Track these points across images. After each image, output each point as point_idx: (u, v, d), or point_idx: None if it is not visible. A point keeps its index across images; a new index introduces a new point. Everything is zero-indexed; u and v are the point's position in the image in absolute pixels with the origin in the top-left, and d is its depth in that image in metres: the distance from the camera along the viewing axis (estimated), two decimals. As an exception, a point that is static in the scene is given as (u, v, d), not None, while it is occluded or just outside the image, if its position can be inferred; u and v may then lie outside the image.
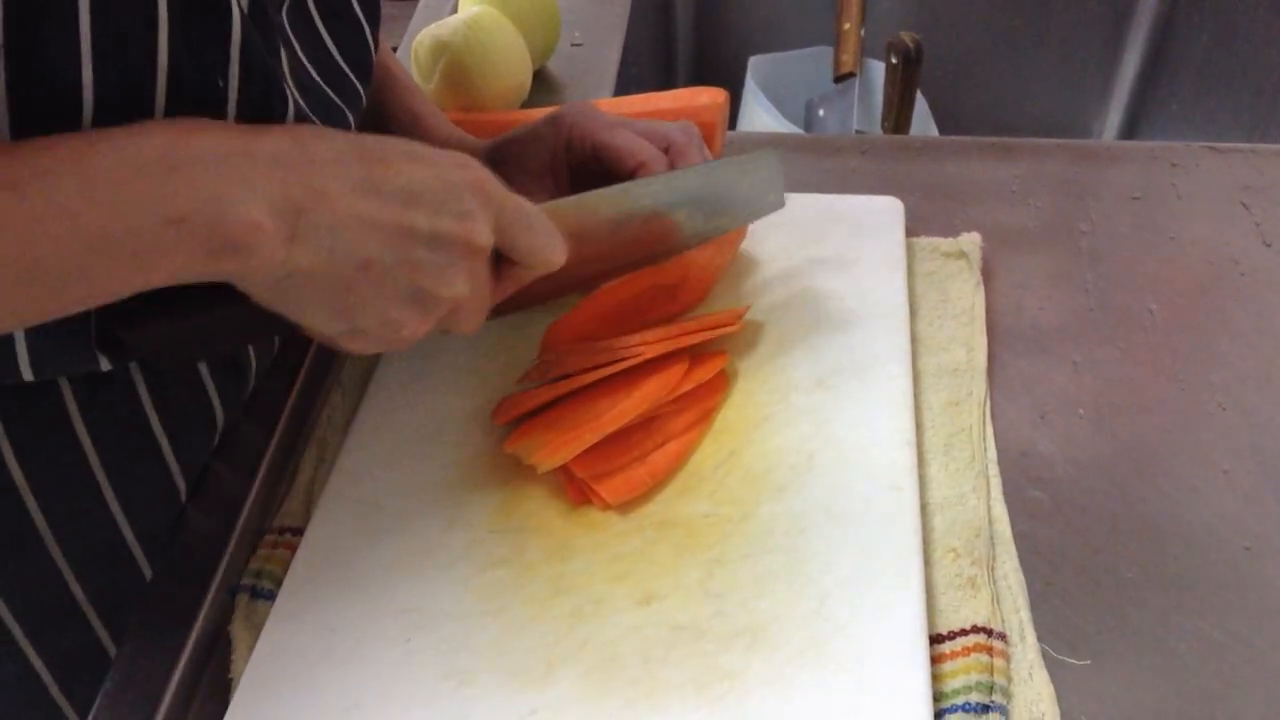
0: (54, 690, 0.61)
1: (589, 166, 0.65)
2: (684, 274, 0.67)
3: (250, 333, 0.52)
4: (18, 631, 0.59)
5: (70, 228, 0.40)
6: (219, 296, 0.47)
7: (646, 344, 0.62)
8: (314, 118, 0.55)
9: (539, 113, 0.69)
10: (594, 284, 0.65)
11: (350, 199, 0.45)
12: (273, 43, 0.52)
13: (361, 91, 0.62)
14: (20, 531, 0.56)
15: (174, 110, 0.46)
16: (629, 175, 0.62)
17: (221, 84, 0.47)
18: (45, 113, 0.43)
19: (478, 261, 0.50)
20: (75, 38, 0.42)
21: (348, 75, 0.60)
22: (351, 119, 0.60)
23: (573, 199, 0.57)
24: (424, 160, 0.48)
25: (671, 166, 0.63)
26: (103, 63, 0.43)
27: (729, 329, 0.65)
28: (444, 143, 0.72)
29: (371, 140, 0.48)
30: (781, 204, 0.67)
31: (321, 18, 0.59)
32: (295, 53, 0.56)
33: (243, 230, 0.42)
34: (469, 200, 0.48)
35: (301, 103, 0.55)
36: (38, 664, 0.60)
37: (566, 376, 0.61)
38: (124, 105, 0.45)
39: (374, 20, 0.63)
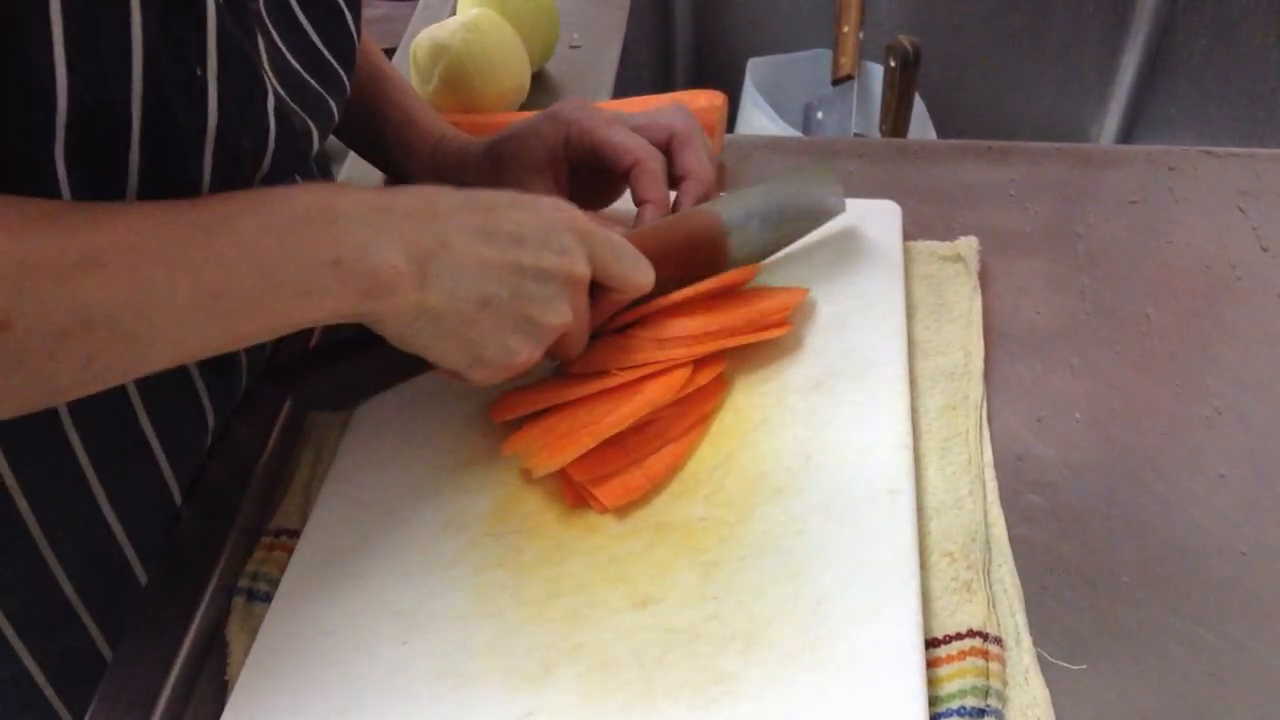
0: (48, 692, 0.61)
1: (587, 163, 0.66)
2: None
3: (390, 374, 0.58)
4: (10, 633, 0.59)
5: (252, 266, 0.46)
6: (364, 347, 0.55)
7: (692, 339, 0.63)
8: (294, 106, 0.56)
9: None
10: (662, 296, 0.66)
11: (469, 244, 0.52)
12: (250, 31, 0.53)
13: (345, 79, 0.62)
14: (12, 533, 0.56)
15: (152, 100, 0.47)
16: (627, 172, 0.65)
17: (200, 72, 0.48)
18: (19, 104, 0.44)
19: (579, 291, 0.56)
20: (47, 26, 0.43)
21: (330, 62, 0.61)
22: (335, 107, 0.61)
23: (650, 226, 0.63)
24: (526, 206, 0.55)
25: (674, 157, 0.67)
26: (77, 52, 0.44)
27: (777, 331, 0.65)
28: (438, 140, 0.73)
29: (483, 193, 0.55)
30: (842, 208, 0.72)
31: (301, 6, 0.59)
32: (274, 41, 0.56)
33: (385, 272, 0.49)
34: (566, 238, 0.55)
35: (282, 92, 0.55)
36: (31, 666, 0.60)
37: (602, 373, 0.61)
38: (100, 95, 0.45)
39: (354, 6, 0.63)
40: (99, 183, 0.48)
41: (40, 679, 0.60)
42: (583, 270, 0.55)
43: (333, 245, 0.48)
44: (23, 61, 0.43)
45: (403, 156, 0.74)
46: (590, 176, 0.68)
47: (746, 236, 0.67)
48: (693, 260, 0.65)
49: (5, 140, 0.44)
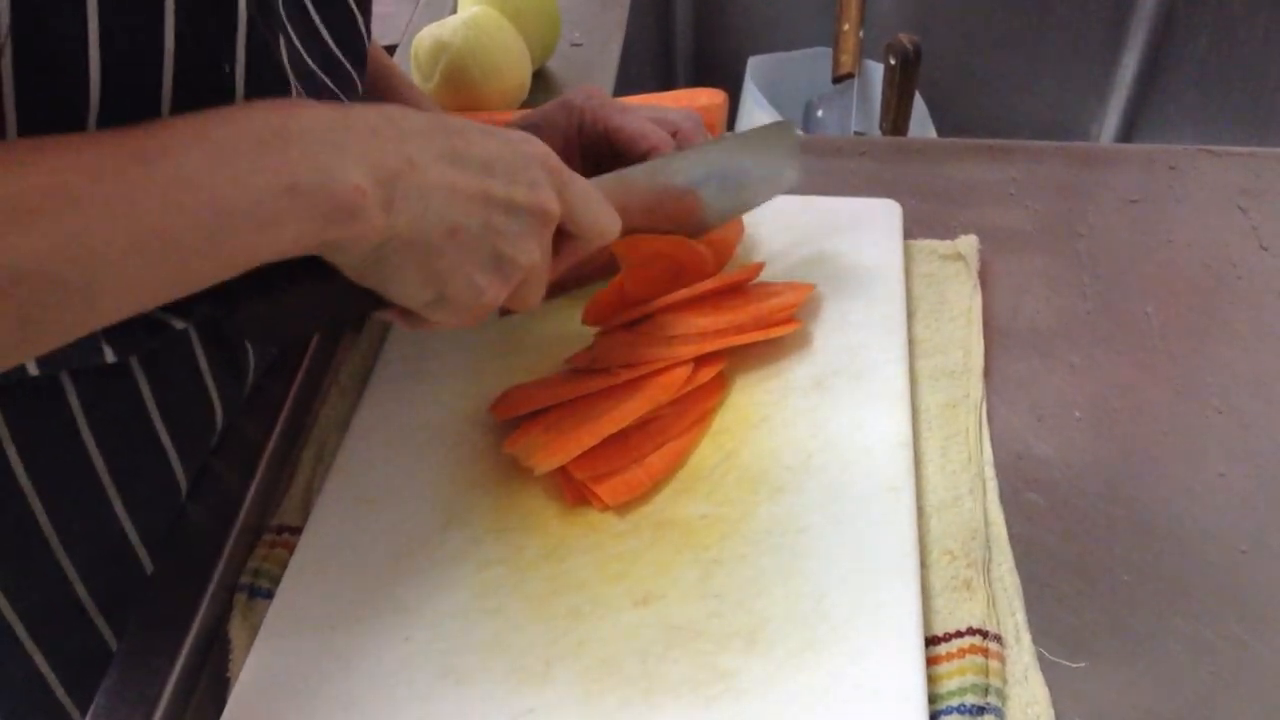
0: (59, 691, 0.61)
1: (600, 150, 0.66)
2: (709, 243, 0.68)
3: (338, 310, 0.54)
4: (23, 633, 0.58)
5: (198, 199, 0.42)
6: (310, 275, 0.49)
7: (700, 337, 0.63)
8: None
9: None
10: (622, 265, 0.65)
11: (437, 167, 0.48)
12: (275, 30, 0.53)
13: (356, 78, 0.62)
14: (25, 533, 0.56)
15: (181, 97, 0.46)
16: (642, 158, 0.64)
17: (228, 70, 0.48)
18: (52, 99, 0.43)
19: (547, 230, 0.53)
20: (83, 23, 0.42)
21: (342, 62, 0.61)
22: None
23: (613, 175, 0.59)
24: (496, 135, 0.51)
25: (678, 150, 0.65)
26: (110, 48, 0.43)
27: (785, 329, 0.65)
28: None
29: (449, 117, 0.51)
30: (797, 180, 0.70)
31: (315, 7, 0.59)
32: (292, 40, 0.56)
33: (349, 195, 0.45)
34: (537, 171, 0.52)
35: (301, 90, 0.55)
36: (43, 665, 0.60)
37: (604, 371, 0.61)
38: (131, 91, 0.45)
39: (365, 8, 0.63)
40: None
41: (52, 679, 0.60)
42: (554, 207, 0.52)
43: (289, 169, 0.44)
44: (58, 59, 0.42)
45: None
46: (604, 164, 0.68)
47: (709, 195, 0.65)
48: (659, 215, 0.63)
49: (39, 134, 0.43)
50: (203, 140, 0.43)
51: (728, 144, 0.66)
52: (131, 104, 0.45)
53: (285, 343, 0.55)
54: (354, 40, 0.62)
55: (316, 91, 0.57)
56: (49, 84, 0.43)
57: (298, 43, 0.57)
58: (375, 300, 0.51)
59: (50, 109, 0.44)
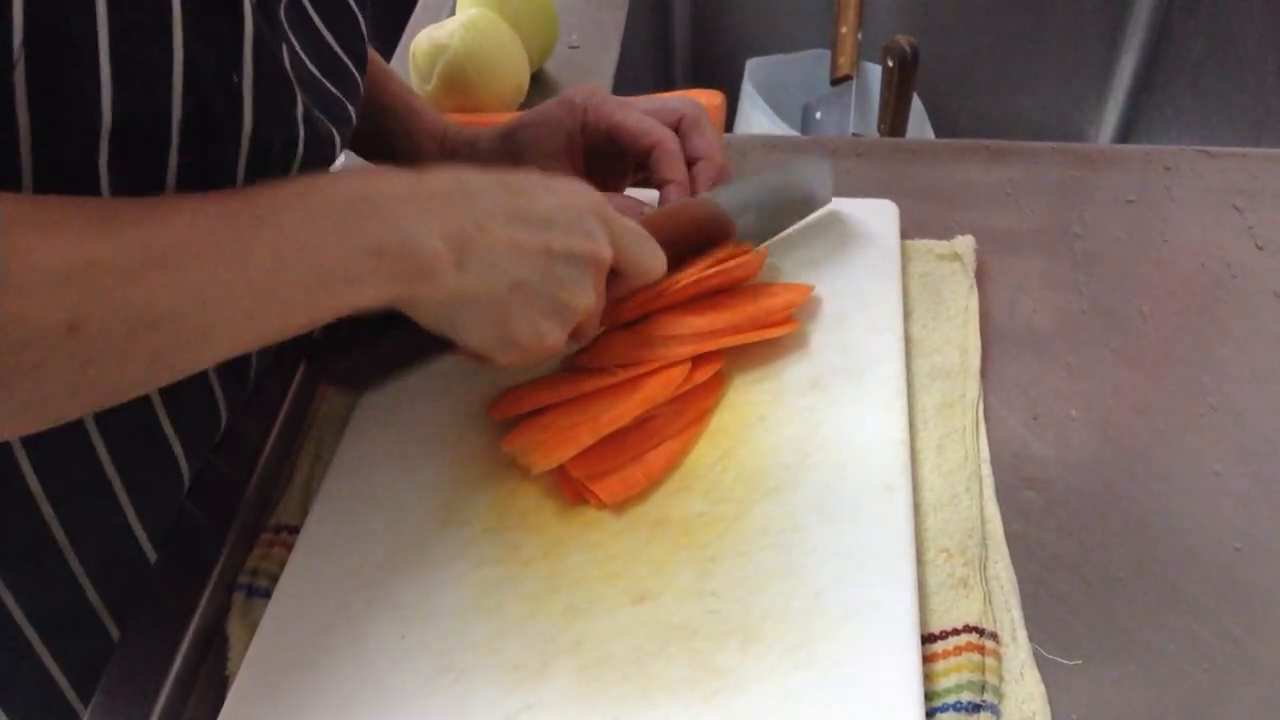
0: (70, 695, 0.61)
1: (602, 147, 0.67)
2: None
3: (418, 353, 0.59)
4: (33, 636, 0.59)
5: (301, 256, 0.46)
6: (394, 327, 0.54)
7: (697, 337, 0.63)
8: (318, 111, 0.56)
9: None
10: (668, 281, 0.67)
11: (502, 227, 0.52)
12: (279, 38, 0.53)
13: (359, 81, 0.63)
14: (34, 535, 0.56)
15: (191, 107, 0.47)
16: (645, 154, 0.66)
17: (236, 80, 0.49)
18: (64, 111, 0.44)
19: (602, 274, 0.57)
20: (94, 35, 0.43)
21: (346, 65, 0.61)
22: (352, 111, 0.61)
23: (660, 211, 0.63)
24: (553, 189, 0.55)
25: (684, 142, 0.67)
26: (120, 61, 0.44)
27: (783, 329, 0.65)
28: (444, 131, 0.74)
29: (510, 176, 0.55)
30: (829, 200, 0.75)
31: (315, 9, 0.59)
32: (294, 48, 0.56)
33: (427, 258, 0.49)
34: (591, 221, 0.55)
35: (306, 99, 0.55)
36: (54, 669, 0.60)
37: (602, 370, 0.62)
38: (142, 103, 0.45)
39: (364, 6, 0.64)
40: (139, 188, 0.48)
41: (62, 682, 0.61)
42: (607, 254, 0.56)
43: (375, 232, 0.48)
44: (71, 73, 0.43)
45: (410, 150, 0.74)
46: (603, 160, 0.68)
47: (745, 224, 0.69)
48: (699, 247, 0.66)
49: (53, 147, 0.44)
50: (305, 203, 0.47)
51: (769, 177, 0.70)
52: (143, 117, 0.46)
53: (369, 386, 0.62)
54: (356, 42, 0.62)
55: (321, 99, 0.57)
56: (62, 99, 0.44)
57: (300, 50, 0.57)
58: (449, 344, 0.55)
59: (63, 124, 0.44)
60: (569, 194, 0.56)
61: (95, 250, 0.41)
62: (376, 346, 0.57)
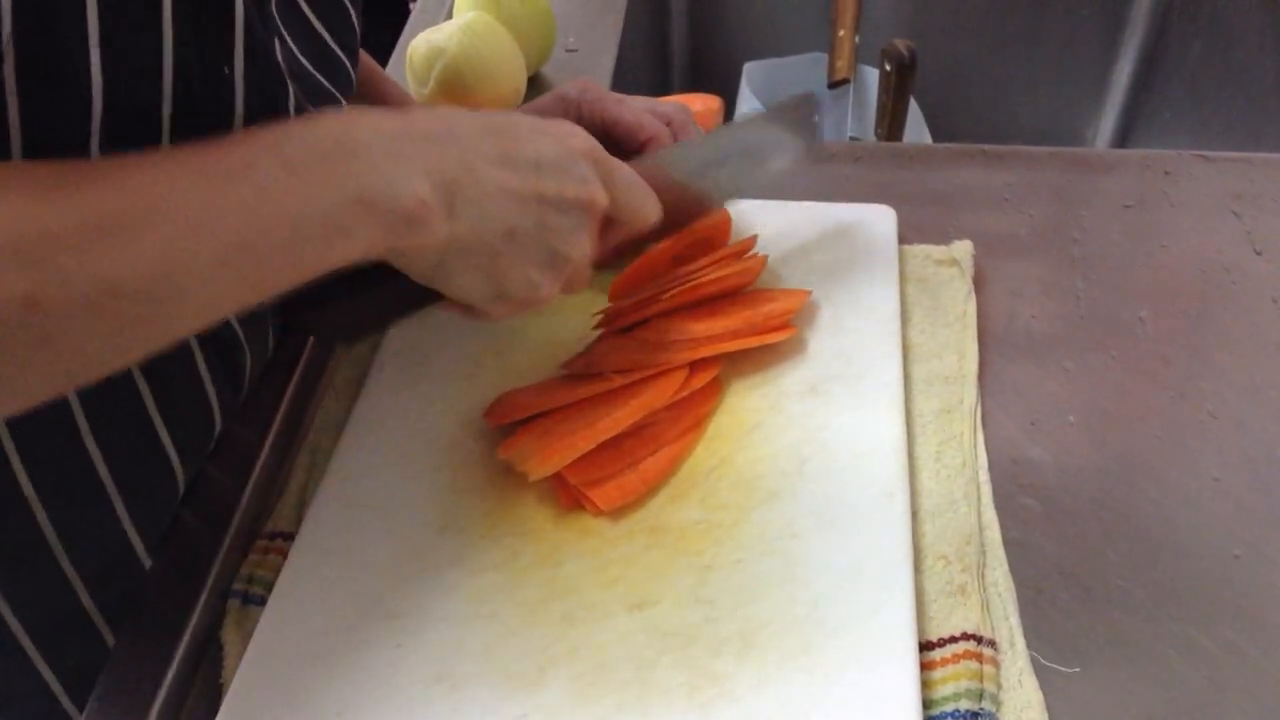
0: (65, 702, 0.61)
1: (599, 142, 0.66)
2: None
3: (406, 305, 0.56)
4: (29, 645, 0.58)
5: (275, 211, 0.43)
6: (379, 278, 0.51)
7: (695, 343, 0.63)
8: (310, 106, 0.56)
9: None
10: (647, 243, 0.66)
11: (492, 171, 0.50)
12: (271, 30, 0.53)
13: (352, 73, 0.62)
14: (29, 542, 0.56)
15: (182, 101, 0.47)
16: (641, 149, 0.65)
17: (228, 71, 0.48)
18: (54, 102, 0.43)
19: (596, 221, 0.54)
20: (83, 26, 0.42)
21: (339, 57, 0.61)
22: (344, 103, 0.61)
23: (647, 158, 0.62)
24: (544, 132, 0.53)
25: (674, 140, 0.67)
26: (110, 51, 0.43)
27: (782, 334, 0.65)
28: None
29: (499, 117, 0.53)
30: (817, 139, 0.72)
31: (308, 3, 0.59)
32: (286, 41, 0.56)
33: (414, 206, 0.46)
34: (585, 166, 0.53)
35: (297, 91, 0.55)
36: (49, 677, 0.60)
37: (599, 376, 0.62)
38: (132, 94, 0.45)
39: (356, 1, 0.63)
40: None
41: (58, 690, 0.60)
42: (602, 199, 0.54)
43: (358, 180, 0.45)
44: (60, 64, 0.43)
45: None
46: None
47: (730, 169, 0.68)
48: (684, 197, 0.65)
49: (44, 139, 0.44)
50: (276, 154, 0.44)
51: (754, 122, 0.69)
52: (134, 108, 0.45)
53: (355, 340, 0.57)
54: (348, 35, 0.62)
55: (313, 92, 0.57)
56: (52, 90, 0.43)
57: (292, 44, 0.57)
58: (437, 295, 0.53)
59: (54, 115, 0.44)
60: (561, 137, 0.54)
61: (49, 217, 0.39)
62: (361, 298, 0.54)
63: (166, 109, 0.46)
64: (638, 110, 0.66)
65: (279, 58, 0.53)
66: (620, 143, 0.66)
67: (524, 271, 0.52)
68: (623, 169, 0.56)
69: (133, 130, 0.46)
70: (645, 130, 0.65)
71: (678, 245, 0.67)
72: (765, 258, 0.69)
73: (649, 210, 0.58)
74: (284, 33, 0.56)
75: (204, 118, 0.48)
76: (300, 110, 0.54)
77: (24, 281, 0.37)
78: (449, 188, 0.48)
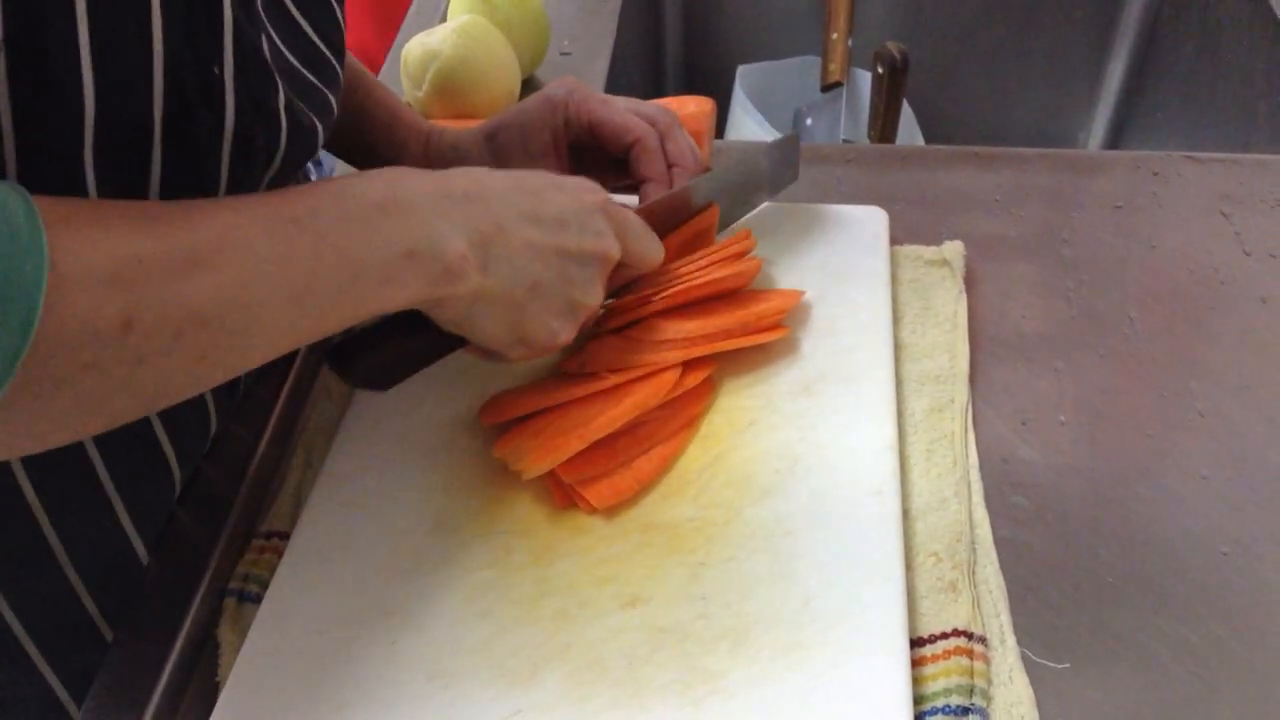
0: (69, 707, 0.61)
1: (585, 142, 0.68)
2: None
3: (434, 352, 0.59)
4: (33, 650, 0.58)
5: (338, 258, 0.47)
6: (410, 327, 0.55)
7: (688, 342, 0.63)
8: (299, 103, 0.56)
9: None
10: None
11: (520, 228, 0.53)
12: (258, 29, 0.53)
13: (338, 71, 0.63)
14: (35, 550, 0.56)
15: (173, 100, 0.47)
16: (625, 150, 0.67)
17: (218, 71, 0.49)
18: (46, 107, 0.44)
19: (609, 270, 0.59)
20: (73, 30, 0.43)
21: (324, 54, 0.61)
22: (333, 100, 0.61)
23: (652, 204, 0.64)
24: (563, 188, 0.57)
25: (660, 142, 0.68)
26: (101, 55, 0.44)
27: (773, 334, 0.66)
28: (428, 134, 0.74)
29: (524, 176, 0.57)
30: (795, 178, 0.77)
31: (292, 1, 0.59)
32: (273, 39, 0.56)
33: (455, 260, 0.50)
34: (599, 220, 0.57)
35: (286, 89, 0.55)
36: (54, 683, 0.60)
37: (592, 375, 0.62)
38: (124, 98, 0.45)
39: None
40: (123, 183, 0.48)
41: (63, 695, 0.60)
42: (615, 251, 0.58)
43: (407, 234, 0.49)
44: (51, 70, 0.43)
45: (394, 154, 0.74)
46: (588, 154, 0.69)
47: (724, 205, 0.70)
48: (685, 235, 0.68)
49: (37, 144, 0.44)
50: (340, 205, 0.48)
51: (747, 162, 0.72)
52: (126, 111, 0.46)
53: (385, 387, 0.61)
54: (333, 31, 0.62)
55: (301, 89, 0.57)
56: (44, 95, 0.43)
57: (279, 41, 0.57)
58: (461, 342, 0.57)
59: (46, 120, 0.44)
60: (578, 193, 0.57)
61: (143, 248, 0.41)
62: (394, 346, 0.57)
63: (158, 110, 0.47)
64: (624, 112, 0.67)
65: (267, 56, 0.53)
66: (606, 143, 0.67)
67: (545, 320, 0.56)
68: (632, 218, 0.60)
69: (125, 132, 0.46)
70: (632, 132, 0.66)
71: (670, 244, 0.68)
72: (761, 261, 0.69)
73: (654, 255, 0.62)
74: (270, 31, 0.57)
75: (195, 119, 0.48)
76: (290, 109, 0.54)
77: (121, 304, 0.40)
78: (483, 244, 0.52)
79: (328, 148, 0.77)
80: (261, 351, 0.47)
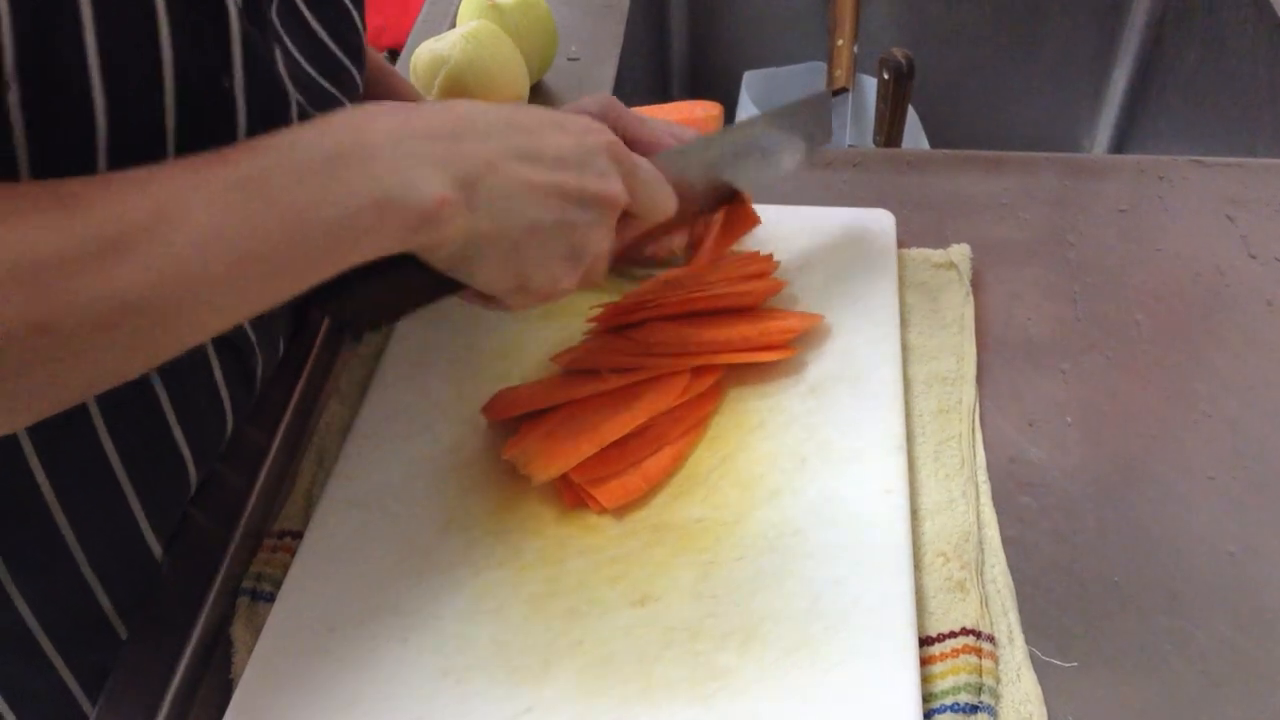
0: (84, 703, 0.61)
1: None
2: None
3: (427, 295, 0.56)
4: (48, 645, 0.59)
5: (288, 219, 0.44)
6: (402, 265, 0.51)
7: (682, 349, 0.64)
8: (314, 113, 0.56)
9: None
10: (662, 233, 0.67)
11: (513, 166, 0.50)
12: (269, 40, 0.53)
13: (357, 77, 0.62)
14: (50, 546, 0.56)
15: (184, 115, 0.47)
16: None
17: (227, 84, 0.48)
18: (60, 128, 0.44)
19: (615, 216, 0.55)
20: (82, 51, 0.43)
21: (343, 62, 0.61)
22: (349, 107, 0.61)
23: (668, 153, 0.62)
24: (563, 127, 0.53)
25: None
26: (111, 73, 0.44)
27: (778, 354, 0.65)
28: None
29: (519, 112, 0.53)
30: (829, 138, 0.74)
31: (309, 7, 0.59)
32: (288, 49, 0.56)
33: (435, 205, 0.47)
34: (604, 161, 0.54)
35: (301, 99, 0.55)
36: (68, 677, 0.60)
37: (594, 373, 0.62)
38: (136, 114, 0.45)
39: (359, 3, 0.63)
40: None
41: (76, 690, 0.61)
42: (621, 195, 0.55)
43: (373, 183, 0.46)
44: (62, 89, 0.43)
45: None
46: None
47: (747, 166, 0.69)
48: (700, 192, 0.66)
49: (52, 165, 0.44)
50: (287, 162, 0.44)
51: (771, 116, 0.70)
52: (138, 127, 0.46)
53: (375, 327, 0.57)
54: (352, 37, 0.62)
55: (317, 97, 0.58)
56: (56, 116, 0.43)
57: (295, 51, 0.57)
58: (458, 285, 0.54)
59: (60, 140, 0.44)
60: (581, 132, 0.54)
61: (53, 241, 0.39)
62: (383, 286, 0.54)
63: (170, 124, 0.47)
64: (663, 133, 0.66)
65: (280, 66, 0.53)
66: None
67: (545, 264, 0.53)
68: (642, 163, 0.57)
69: (138, 149, 0.46)
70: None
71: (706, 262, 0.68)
72: (784, 284, 0.69)
73: (666, 204, 0.59)
74: (286, 41, 0.57)
75: (206, 131, 0.48)
76: (304, 118, 0.54)
77: (33, 306, 0.38)
78: (469, 183, 0.48)
79: None
80: (211, 326, 0.45)
